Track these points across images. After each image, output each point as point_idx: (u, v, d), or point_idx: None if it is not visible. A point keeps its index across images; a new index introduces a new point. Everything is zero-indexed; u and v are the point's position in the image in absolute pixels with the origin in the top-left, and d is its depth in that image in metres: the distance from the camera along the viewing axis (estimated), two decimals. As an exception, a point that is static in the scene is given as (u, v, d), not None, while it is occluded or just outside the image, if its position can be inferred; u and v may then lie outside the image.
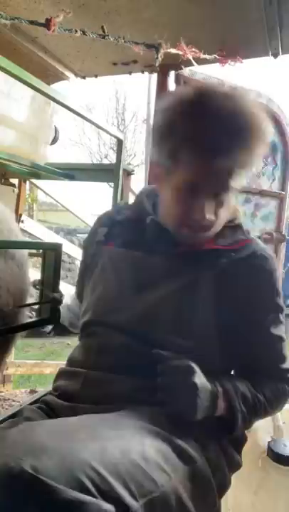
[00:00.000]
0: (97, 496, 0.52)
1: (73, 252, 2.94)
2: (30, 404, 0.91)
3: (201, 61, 1.66)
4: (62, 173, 1.86)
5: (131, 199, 1.77)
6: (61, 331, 1.14)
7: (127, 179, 1.78)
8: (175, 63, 1.83)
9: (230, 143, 0.76)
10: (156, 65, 1.49)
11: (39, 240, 2.24)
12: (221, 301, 0.82)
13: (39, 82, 1.13)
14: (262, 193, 1.95)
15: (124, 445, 0.61)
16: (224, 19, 1.51)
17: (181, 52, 1.51)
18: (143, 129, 13.17)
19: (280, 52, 1.64)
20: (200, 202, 0.80)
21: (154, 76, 2.01)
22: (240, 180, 0.82)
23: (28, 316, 1.08)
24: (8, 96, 1.52)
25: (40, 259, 1.07)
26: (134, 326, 0.83)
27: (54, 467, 0.51)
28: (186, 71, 1.93)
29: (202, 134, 0.76)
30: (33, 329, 1.05)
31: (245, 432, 0.92)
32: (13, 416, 0.86)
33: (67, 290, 1.21)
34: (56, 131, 1.86)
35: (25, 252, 1.06)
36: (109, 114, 14.44)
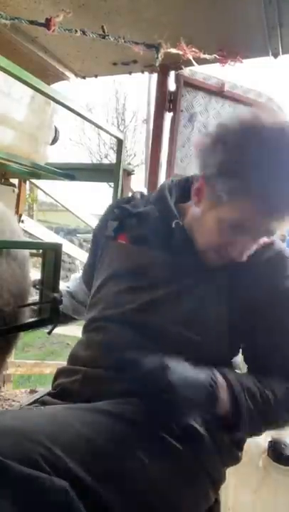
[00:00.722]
0: (51, 473, 0.55)
1: (73, 252, 2.94)
2: (29, 404, 0.91)
3: (201, 61, 1.66)
4: (62, 173, 1.86)
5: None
6: (64, 318, 1.14)
7: (127, 179, 1.78)
8: (175, 63, 1.84)
9: None
10: (157, 64, 1.49)
11: (39, 240, 2.24)
12: (237, 298, 0.80)
13: (39, 81, 1.13)
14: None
15: (85, 430, 0.64)
16: (224, 19, 1.52)
17: (181, 52, 1.51)
18: (143, 129, 13.20)
19: (280, 52, 1.65)
20: (242, 242, 0.78)
21: (154, 76, 2.02)
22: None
23: (30, 315, 1.08)
24: (8, 96, 1.52)
25: (40, 259, 1.07)
26: (143, 324, 0.81)
27: (9, 446, 0.54)
28: (186, 71, 1.93)
29: (277, 187, 0.70)
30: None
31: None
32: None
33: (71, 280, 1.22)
34: (56, 131, 1.86)
35: (27, 252, 1.05)
36: (109, 114, 14.45)
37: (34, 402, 0.92)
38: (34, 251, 1.32)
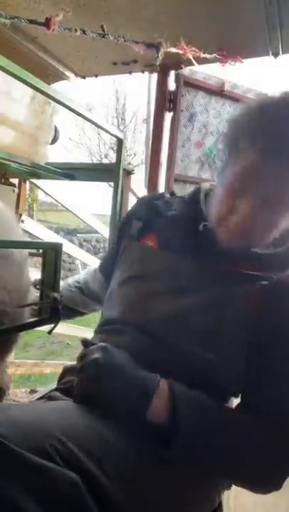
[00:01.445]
0: (62, 465, 0.54)
1: (73, 252, 2.93)
2: (37, 399, 0.91)
3: (201, 60, 1.66)
4: (62, 173, 1.86)
5: (131, 199, 1.76)
6: (72, 313, 1.14)
7: (127, 179, 1.77)
8: (175, 63, 1.84)
9: None
10: (157, 64, 1.49)
11: (39, 240, 2.24)
12: (252, 325, 0.74)
13: (39, 81, 1.13)
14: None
15: (95, 426, 0.63)
16: (224, 19, 1.52)
17: (181, 52, 1.51)
18: (143, 128, 13.23)
19: (280, 52, 1.65)
20: (244, 203, 0.73)
21: (154, 76, 2.02)
22: None
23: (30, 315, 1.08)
24: (8, 96, 1.51)
25: (40, 259, 1.07)
26: (160, 332, 0.77)
27: (20, 436, 0.53)
28: (186, 70, 1.93)
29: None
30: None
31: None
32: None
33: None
34: (56, 131, 1.85)
35: (26, 252, 1.05)
36: (109, 113, 14.48)
37: (41, 398, 0.92)
38: (34, 251, 1.32)
